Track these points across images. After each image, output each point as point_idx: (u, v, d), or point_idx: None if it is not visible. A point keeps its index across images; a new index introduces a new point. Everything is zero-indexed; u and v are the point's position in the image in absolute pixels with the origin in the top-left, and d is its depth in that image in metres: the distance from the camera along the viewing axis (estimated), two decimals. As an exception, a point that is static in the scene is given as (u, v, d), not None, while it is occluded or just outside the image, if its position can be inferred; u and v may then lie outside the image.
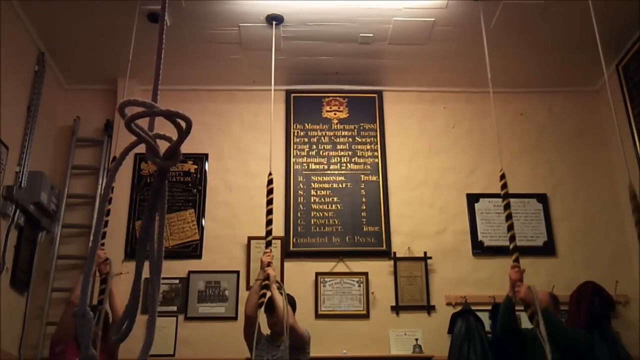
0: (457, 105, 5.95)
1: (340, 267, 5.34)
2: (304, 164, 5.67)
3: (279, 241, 5.30)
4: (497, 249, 5.34)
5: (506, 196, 3.92)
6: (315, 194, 5.57)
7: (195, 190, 5.58)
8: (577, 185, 5.66)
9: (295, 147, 5.72)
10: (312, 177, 5.63)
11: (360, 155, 5.72)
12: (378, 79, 5.87)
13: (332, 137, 5.79)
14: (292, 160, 5.67)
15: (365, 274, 5.29)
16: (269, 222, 4.06)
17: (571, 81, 5.89)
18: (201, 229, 5.43)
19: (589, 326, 4.70)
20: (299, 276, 5.26)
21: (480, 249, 5.41)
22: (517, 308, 4.44)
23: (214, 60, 5.54)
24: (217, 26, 5.09)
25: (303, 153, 5.72)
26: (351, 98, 5.93)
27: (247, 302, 4.03)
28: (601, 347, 4.58)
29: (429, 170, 5.70)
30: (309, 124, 5.83)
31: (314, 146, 5.75)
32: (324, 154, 5.72)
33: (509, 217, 3.82)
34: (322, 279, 5.27)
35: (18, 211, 4.71)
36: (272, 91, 4.76)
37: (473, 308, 5.04)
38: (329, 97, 5.94)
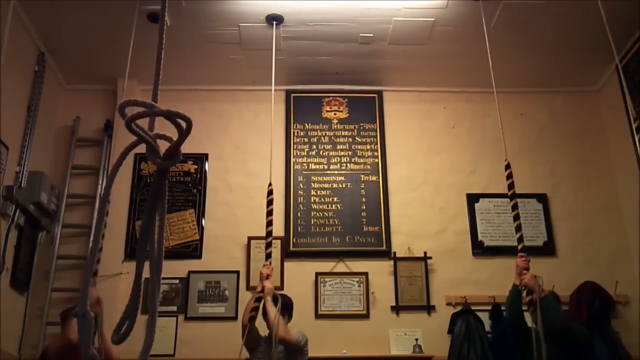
0: (457, 105, 5.94)
1: (340, 267, 5.34)
2: (304, 164, 5.67)
3: (279, 241, 5.31)
4: (497, 249, 5.35)
5: (511, 186, 3.98)
6: (315, 194, 5.56)
7: (195, 190, 5.57)
8: (577, 185, 5.66)
9: (295, 147, 5.72)
10: (312, 177, 5.63)
11: (360, 155, 5.72)
12: (378, 79, 5.87)
13: (332, 137, 5.79)
14: (292, 160, 5.67)
15: (365, 274, 5.29)
16: (269, 234, 4.11)
17: (571, 81, 5.89)
18: (201, 229, 5.43)
19: (589, 326, 4.70)
20: (299, 276, 5.26)
21: (480, 249, 5.41)
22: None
23: (214, 60, 5.54)
24: (217, 26, 5.09)
25: (303, 153, 5.72)
26: (351, 98, 5.93)
27: (244, 312, 4.08)
28: (601, 347, 4.58)
29: (429, 170, 5.70)
30: (309, 124, 5.83)
31: (314, 146, 5.75)
32: (324, 154, 5.72)
33: (514, 207, 3.91)
34: (322, 279, 5.27)
35: (18, 211, 4.71)
36: (272, 91, 4.77)
37: (473, 308, 5.04)
38: (329, 97, 5.94)
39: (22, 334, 4.83)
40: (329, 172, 5.66)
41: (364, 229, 5.44)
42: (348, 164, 5.69)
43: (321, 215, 5.48)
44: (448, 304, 5.22)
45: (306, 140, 5.77)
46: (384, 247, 5.37)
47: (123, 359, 3.96)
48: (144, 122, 1.22)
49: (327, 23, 5.08)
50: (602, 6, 4.17)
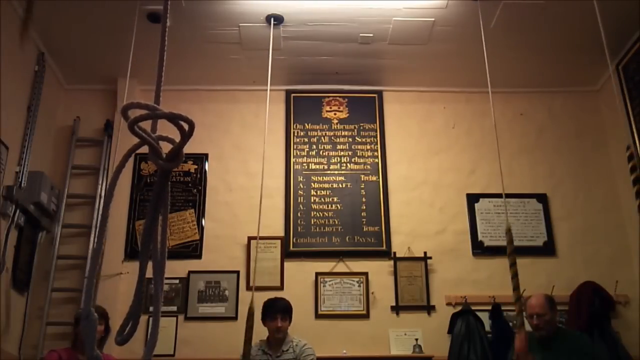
0: (457, 105, 5.95)
1: (340, 267, 5.34)
2: (304, 164, 5.67)
3: (279, 241, 5.31)
4: (497, 249, 5.34)
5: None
6: (315, 194, 5.57)
7: (195, 190, 5.58)
8: (577, 185, 5.66)
9: (295, 147, 5.72)
10: (312, 177, 5.63)
11: (360, 155, 5.72)
12: (378, 79, 5.87)
13: (332, 137, 5.79)
14: (292, 160, 5.67)
15: (365, 274, 5.29)
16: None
17: (571, 81, 5.89)
18: (201, 229, 5.43)
19: (589, 326, 4.71)
20: (299, 276, 5.26)
21: (480, 249, 5.42)
22: (513, 309, 4.44)
23: (214, 60, 5.54)
24: (217, 26, 5.09)
25: (303, 153, 5.72)
26: (351, 98, 5.93)
27: None
28: (601, 347, 4.58)
29: (429, 170, 5.70)
30: (309, 124, 5.83)
31: (314, 146, 5.75)
32: (324, 154, 5.72)
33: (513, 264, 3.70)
34: (322, 279, 5.27)
35: (18, 211, 4.70)
36: (268, 91, 4.77)
37: (473, 308, 5.04)
38: (329, 97, 5.94)
39: (22, 334, 4.82)
40: (329, 172, 5.66)
41: (364, 229, 5.44)
42: (348, 164, 5.69)
43: (321, 215, 5.48)
44: (448, 304, 5.22)
45: (306, 140, 5.77)
46: (384, 247, 5.37)
47: (124, 359, 3.97)
48: (146, 124, 1.22)
49: (327, 23, 5.08)
50: (602, 6, 4.18)
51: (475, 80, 5.54)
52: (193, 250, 5.35)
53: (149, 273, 1.26)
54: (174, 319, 5.11)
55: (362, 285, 5.26)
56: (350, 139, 5.78)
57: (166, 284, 5.16)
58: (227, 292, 5.22)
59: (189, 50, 5.32)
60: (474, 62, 5.27)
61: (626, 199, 5.42)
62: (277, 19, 4.99)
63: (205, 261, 5.32)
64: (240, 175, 5.63)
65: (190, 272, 5.25)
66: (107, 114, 5.70)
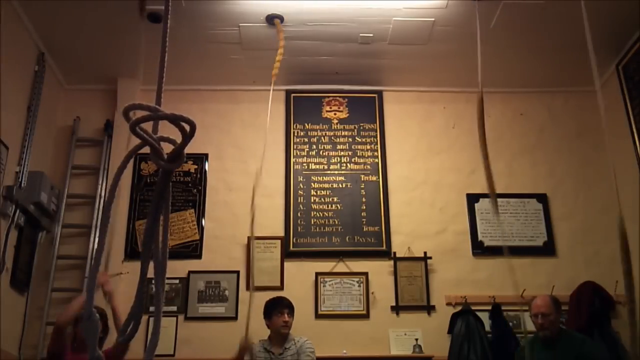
0: (457, 105, 5.94)
1: (340, 267, 5.34)
2: (304, 164, 5.67)
3: (279, 241, 5.31)
4: (497, 249, 5.35)
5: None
6: (315, 194, 5.57)
7: (195, 190, 5.58)
8: (577, 185, 5.66)
9: (295, 147, 5.72)
10: (312, 177, 5.63)
11: (360, 155, 5.72)
12: (378, 79, 5.87)
13: (332, 137, 5.79)
14: (292, 160, 5.67)
15: (365, 274, 5.29)
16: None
17: (571, 81, 5.88)
18: (201, 229, 5.43)
19: (589, 326, 4.71)
20: (299, 276, 5.26)
21: (480, 249, 5.42)
22: (517, 308, 4.46)
23: (214, 60, 5.54)
24: (217, 26, 5.09)
25: (303, 153, 5.72)
26: (351, 98, 5.93)
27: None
28: (601, 348, 4.58)
29: (429, 170, 5.70)
30: (309, 124, 5.83)
31: (314, 146, 5.75)
32: (324, 154, 5.72)
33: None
34: (322, 279, 5.27)
35: (18, 211, 4.71)
36: (271, 90, 4.76)
37: (473, 308, 5.04)
38: (329, 97, 5.94)
39: (22, 334, 4.83)
40: (329, 172, 5.66)
41: (364, 229, 5.44)
42: (348, 164, 5.69)
43: (321, 215, 5.48)
44: (448, 304, 5.23)
45: (306, 140, 5.77)
46: (384, 247, 5.37)
47: (124, 359, 3.97)
48: (147, 125, 1.22)
49: (327, 23, 5.08)
50: (602, 6, 4.18)
51: (475, 80, 5.50)
52: (193, 250, 5.36)
53: (150, 273, 1.26)
54: (174, 319, 5.11)
55: (362, 285, 5.26)
56: (350, 139, 5.78)
57: (166, 283, 5.11)
58: (227, 292, 5.22)
59: (189, 50, 5.32)
60: (474, 62, 5.24)
61: (626, 199, 5.42)
62: (277, 19, 4.99)
63: (205, 261, 5.32)
64: (240, 175, 5.63)
65: (190, 272, 5.25)
66: (107, 114, 5.70)
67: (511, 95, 5.89)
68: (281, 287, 5.15)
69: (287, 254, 5.33)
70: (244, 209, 5.47)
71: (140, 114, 1.20)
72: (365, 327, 5.14)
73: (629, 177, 5.24)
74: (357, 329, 5.12)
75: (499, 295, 5.04)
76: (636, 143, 5.11)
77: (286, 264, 5.30)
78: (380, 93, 5.94)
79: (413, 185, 5.64)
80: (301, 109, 5.87)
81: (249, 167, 5.61)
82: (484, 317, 5.01)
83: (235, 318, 5.10)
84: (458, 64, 5.57)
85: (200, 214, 5.48)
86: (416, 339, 5.05)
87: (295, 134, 5.78)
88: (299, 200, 5.53)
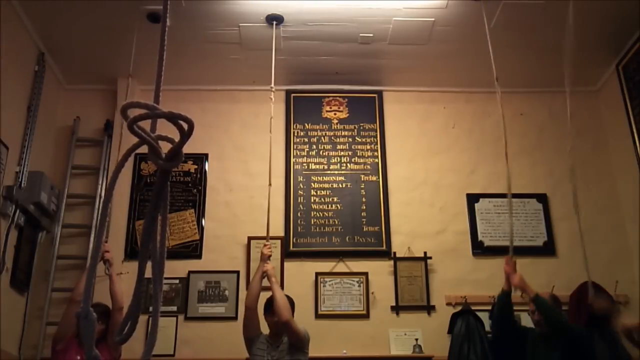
0: (457, 105, 5.95)
1: (340, 267, 5.34)
2: (304, 164, 5.67)
3: (279, 241, 5.31)
4: (497, 249, 5.34)
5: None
6: (315, 194, 5.57)
7: (195, 190, 5.58)
8: (577, 185, 5.65)
9: (295, 147, 5.72)
10: (312, 177, 5.63)
11: (360, 155, 5.72)
12: (378, 79, 5.87)
13: (332, 137, 5.79)
14: (292, 160, 5.67)
15: (365, 274, 5.29)
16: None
17: (571, 81, 5.87)
18: (201, 229, 5.43)
19: (589, 326, 4.70)
20: (299, 276, 5.26)
21: (480, 249, 5.42)
22: (517, 308, 4.46)
23: (214, 60, 5.54)
24: (217, 26, 5.09)
25: (303, 153, 5.72)
26: (351, 98, 5.93)
27: (248, 294, 4.08)
28: (601, 347, 4.58)
29: (429, 171, 5.70)
30: (309, 124, 5.83)
31: (314, 146, 5.75)
32: (324, 154, 5.72)
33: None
34: (322, 279, 5.27)
35: (18, 211, 4.71)
36: (273, 91, 4.77)
37: (473, 308, 5.04)
38: (329, 97, 5.94)
39: (22, 334, 4.83)
40: (329, 172, 5.66)
41: (364, 229, 5.44)
42: (348, 164, 5.69)
43: (321, 215, 5.48)
44: (448, 304, 5.23)
45: (306, 140, 5.77)
46: (384, 247, 5.37)
47: (124, 359, 3.97)
48: (145, 124, 1.22)
49: (327, 23, 5.08)
50: (602, 6, 4.18)
51: (475, 80, 5.54)
52: (193, 250, 5.36)
53: (149, 273, 1.26)
54: (174, 319, 5.11)
55: (362, 285, 5.26)
56: (350, 139, 5.78)
57: (166, 284, 5.16)
58: (227, 292, 5.22)
59: (189, 50, 5.32)
60: (474, 62, 5.28)
61: (626, 199, 5.42)
62: (277, 19, 4.99)
63: (205, 261, 5.32)
64: (240, 175, 5.63)
65: (190, 272, 5.25)
66: (107, 114, 5.70)
67: (511, 95, 5.87)
68: (281, 287, 5.14)
69: (287, 254, 5.33)
70: (244, 209, 5.48)
71: (138, 112, 1.20)
72: (365, 327, 5.14)
73: (630, 177, 5.24)
74: (357, 329, 5.12)
75: (499, 295, 5.03)
76: (636, 143, 5.11)
77: (286, 264, 5.30)
78: (380, 93, 5.94)
79: (413, 185, 5.64)
80: (301, 109, 5.87)
81: (249, 167, 5.62)
82: (484, 317, 5.01)
83: (235, 318, 5.09)
84: (458, 64, 5.57)
85: (200, 214, 5.48)
86: (416, 339, 5.05)
87: (295, 134, 5.78)
88: (299, 200, 5.53)
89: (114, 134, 5.51)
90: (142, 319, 1.28)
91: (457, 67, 5.63)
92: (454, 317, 5.03)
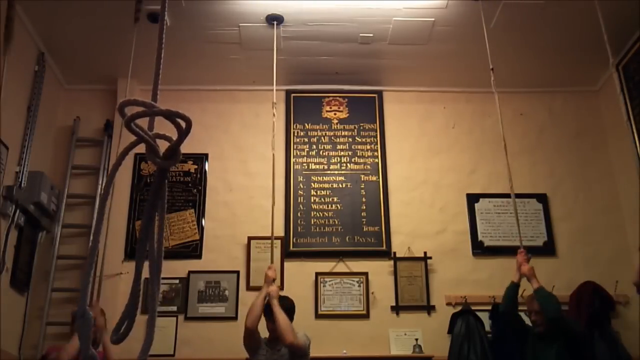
0: (457, 105, 5.94)
1: (340, 267, 5.34)
2: (304, 164, 5.67)
3: (279, 241, 5.31)
4: (497, 249, 5.35)
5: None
6: (315, 194, 5.56)
7: (195, 190, 5.57)
8: (577, 185, 5.66)
9: (295, 147, 5.72)
10: (312, 177, 5.63)
11: (360, 155, 5.72)
12: (378, 79, 5.87)
13: (332, 137, 5.79)
14: (292, 160, 5.67)
15: (365, 274, 5.29)
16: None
17: (571, 81, 5.89)
18: (201, 229, 5.43)
19: (589, 326, 4.71)
20: (299, 276, 5.26)
21: (480, 249, 5.41)
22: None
23: (214, 60, 5.54)
24: (217, 26, 5.09)
25: (303, 153, 5.72)
26: (351, 98, 5.93)
27: (249, 315, 4.03)
28: (601, 347, 4.58)
29: (429, 170, 5.70)
30: (309, 124, 5.83)
31: (314, 146, 5.75)
32: (324, 154, 5.72)
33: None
34: (322, 279, 5.27)
35: (18, 211, 4.71)
36: (274, 91, 4.77)
37: (473, 308, 5.04)
38: (329, 97, 5.94)
39: (22, 334, 4.83)
40: (329, 172, 5.66)
41: (364, 229, 5.44)
42: (348, 164, 5.69)
43: (321, 215, 5.48)
44: (448, 304, 5.22)
45: (306, 140, 5.77)
46: (384, 247, 5.37)
47: (123, 359, 3.97)
48: (143, 122, 1.22)
49: (327, 23, 5.08)
50: (602, 6, 4.17)
51: (475, 80, 5.54)
52: (193, 250, 5.35)
53: (147, 272, 1.26)
54: (174, 319, 5.11)
55: (362, 285, 5.26)
56: (350, 139, 5.78)
57: (166, 284, 5.16)
58: (227, 292, 5.22)
59: (188, 50, 5.33)
60: (474, 62, 5.28)
61: (626, 199, 5.42)
62: (277, 19, 4.99)
63: (205, 261, 5.32)
64: (240, 175, 5.63)
65: (190, 272, 5.25)
66: (107, 114, 5.70)
67: (511, 95, 5.88)
68: (281, 287, 5.13)
69: (287, 254, 5.33)
70: (244, 209, 5.48)
71: (136, 110, 1.20)
72: (365, 327, 5.14)
73: (630, 177, 5.23)
74: (357, 329, 5.12)
75: (499, 295, 5.01)
76: (636, 143, 5.10)
77: (286, 264, 5.30)
78: (380, 93, 5.94)
79: (413, 185, 5.64)
80: (301, 109, 5.87)
81: (249, 167, 5.62)
82: (484, 317, 5.01)
83: (235, 318, 5.09)
84: (458, 64, 5.57)
85: (200, 214, 5.48)
86: (416, 339, 5.04)
87: (295, 134, 5.78)
88: (299, 200, 5.52)
89: (114, 134, 5.51)
90: (142, 318, 1.28)
91: (457, 67, 5.62)
92: (454, 317, 5.03)
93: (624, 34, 5.08)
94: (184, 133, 1.17)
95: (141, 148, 1.26)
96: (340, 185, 5.60)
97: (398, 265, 5.30)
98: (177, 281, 5.22)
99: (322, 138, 5.78)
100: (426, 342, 5.04)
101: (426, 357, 4.96)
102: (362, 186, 5.60)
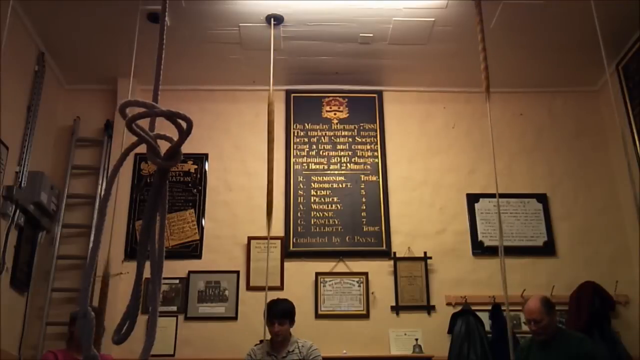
0: (457, 105, 5.94)
1: (340, 267, 5.34)
2: (304, 164, 5.67)
3: (279, 241, 5.31)
4: (497, 249, 5.32)
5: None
6: (315, 194, 5.56)
7: (195, 190, 5.58)
8: (577, 185, 5.66)
9: (295, 147, 5.72)
10: (312, 177, 5.63)
11: (360, 155, 5.72)
12: (378, 79, 5.86)
13: (332, 137, 5.79)
14: (292, 160, 5.67)
15: (365, 274, 5.29)
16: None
17: (571, 81, 5.88)
18: (201, 229, 5.43)
19: (589, 326, 4.70)
20: (299, 276, 5.26)
21: (480, 249, 5.41)
22: (517, 308, 4.44)
23: (214, 60, 5.54)
24: (217, 26, 5.09)
25: (303, 153, 5.72)
26: (351, 98, 5.93)
27: None
28: (601, 348, 4.57)
29: (429, 170, 5.70)
30: (309, 124, 5.83)
31: (314, 146, 5.75)
32: (324, 154, 5.72)
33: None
34: (322, 279, 5.27)
35: (18, 211, 4.70)
36: (271, 90, 4.76)
37: (473, 308, 5.04)
38: (329, 97, 5.94)
39: (22, 334, 4.83)
40: (329, 172, 5.66)
41: (364, 229, 5.44)
42: (348, 164, 5.69)
43: (321, 215, 5.48)
44: (448, 304, 5.22)
45: (306, 140, 5.77)
46: (384, 247, 5.37)
47: (123, 359, 3.97)
48: (144, 123, 1.22)
49: (327, 23, 5.08)
50: (602, 6, 4.17)
51: (475, 80, 5.48)
52: (193, 250, 5.36)
53: (148, 273, 1.26)
54: (174, 319, 5.11)
55: (362, 285, 5.26)
56: (350, 139, 5.78)
57: (166, 284, 5.16)
58: (227, 292, 5.22)
59: (188, 50, 5.32)
60: (474, 62, 5.23)
61: (626, 199, 5.42)
62: (277, 19, 4.99)
63: (205, 261, 5.32)
64: (240, 175, 5.63)
65: (190, 272, 5.25)
66: (107, 114, 5.70)
67: (511, 95, 5.88)
68: (281, 287, 5.15)
69: (287, 254, 5.33)
70: (244, 209, 5.48)
71: (137, 111, 1.20)
72: (365, 327, 5.14)
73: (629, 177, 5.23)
74: (357, 329, 5.12)
75: (499, 295, 5.03)
76: (636, 143, 5.10)
77: (286, 264, 5.30)
78: (380, 93, 5.94)
79: (413, 185, 5.64)
80: (301, 109, 5.87)
81: (249, 167, 5.62)
82: (484, 317, 5.01)
83: (235, 318, 5.10)
84: (458, 64, 5.56)
85: (200, 214, 5.48)
86: (416, 339, 5.04)
87: (295, 134, 5.78)
88: (299, 200, 5.52)
89: (114, 134, 5.51)
90: (142, 318, 1.28)
91: (457, 67, 5.62)
92: (454, 317, 5.03)
93: (624, 34, 5.08)
94: (184, 134, 1.17)
95: (141, 148, 1.27)
96: (340, 185, 5.60)
97: (398, 265, 5.30)
98: (177, 281, 5.22)
99: (322, 138, 5.78)
100: (426, 342, 5.04)
101: (426, 357, 4.96)
102: (362, 186, 5.60)
